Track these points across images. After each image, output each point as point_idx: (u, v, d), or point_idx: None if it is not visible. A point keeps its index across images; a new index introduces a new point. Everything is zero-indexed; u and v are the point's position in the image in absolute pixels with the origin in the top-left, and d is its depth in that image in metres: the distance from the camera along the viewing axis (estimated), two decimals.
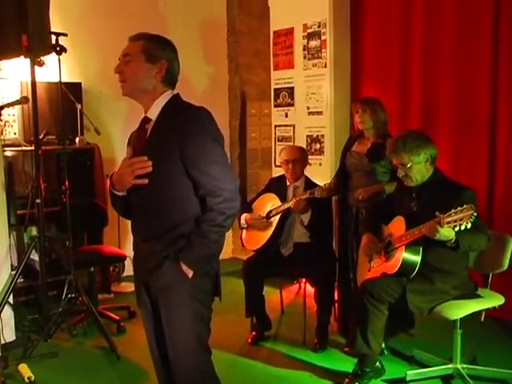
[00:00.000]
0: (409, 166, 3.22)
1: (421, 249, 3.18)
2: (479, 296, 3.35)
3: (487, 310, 3.31)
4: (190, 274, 2.21)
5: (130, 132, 2.48)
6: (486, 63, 4.30)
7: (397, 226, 3.34)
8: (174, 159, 2.20)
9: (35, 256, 4.15)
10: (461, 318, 3.24)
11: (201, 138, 2.19)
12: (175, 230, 2.23)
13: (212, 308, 2.36)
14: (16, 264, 4.31)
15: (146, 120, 2.32)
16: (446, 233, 2.95)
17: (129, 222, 2.44)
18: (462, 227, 2.86)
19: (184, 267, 2.20)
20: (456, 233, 2.95)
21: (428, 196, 3.26)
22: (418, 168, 3.23)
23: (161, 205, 2.26)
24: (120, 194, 2.33)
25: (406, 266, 3.21)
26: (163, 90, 2.30)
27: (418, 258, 3.19)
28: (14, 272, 4.00)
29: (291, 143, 5.41)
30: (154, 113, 2.29)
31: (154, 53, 2.26)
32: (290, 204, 3.91)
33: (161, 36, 2.32)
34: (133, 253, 2.44)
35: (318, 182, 4.15)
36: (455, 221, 2.87)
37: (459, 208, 2.87)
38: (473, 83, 4.40)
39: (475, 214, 2.85)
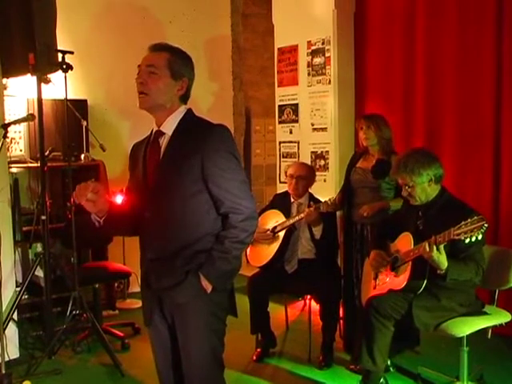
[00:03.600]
0: (411, 185, 3.24)
1: (427, 268, 3.14)
2: (485, 313, 3.32)
3: (494, 327, 3.28)
4: (209, 289, 2.20)
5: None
6: (490, 81, 4.30)
7: (404, 242, 3.32)
8: (195, 176, 2.19)
9: (40, 272, 4.13)
10: (467, 336, 3.20)
11: (222, 156, 2.19)
12: (194, 245, 2.22)
13: (226, 324, 2.34)
14: (21, 280, 4.31)
15: (159, 133, 2.29)
16: (441, 258, 2.97)
17: (134, 238, 2.40)
18: (473, 238, 2.85)
19: (204, 282, 2.19)
20: (448, 264, 2.99)
21: (434, 215, 3.25)
22: (422, 188, 3.24)
23: (179, 221, 2.23)
24: (96, 219, 2.28)
25: (413, 283, 3.19)
26: (179, 105, 2.30)
27: (424, 276, 3.16)
28: (18, 288, 4.00)
29: (296, 160, 5.41)
30: (169, 127, 2.27)
31: (178, 70, 2.25)
32: (300, 216, 3.89)
33: (182, 50, 2.32)
34: (140, 270, 2.38)
35: (322, 199, 4.14)
36: (466, 232, 2.86)
37: (469, 220, 2.87)
38: (477, 100, 4.40)
39: (486, 225, 2.83)
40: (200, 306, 2.22)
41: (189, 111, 2.32)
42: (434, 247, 2.95)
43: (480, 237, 2.85)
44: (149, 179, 2.29)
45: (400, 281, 3.26)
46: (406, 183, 3.26)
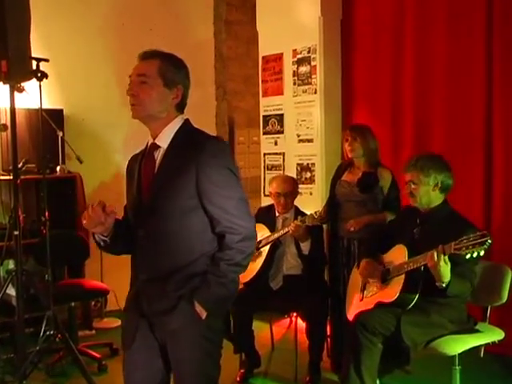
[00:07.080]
0: (416, 183, 3.25)
1: (421, 281, 3.10)
2: (478, 331, 3.28)
3: (486, 345, 3.25)
4: (204, 315, 2.10)
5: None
6: (480, 90, 4.30)
7: (398, 255, 3.28)
8: (190, 192, 2.10)
9: (12, 291, 4.00)
10: (459, 354, 3.14)
11: (218, 171, 2.11)
12: (188, 267, 2.13)
13: (222, 346, 2.26)
14: None
15: (154, 146, 2.20)
16: (446, 269, 2.90)
17: (111, 255, 2.34)
18: (475, 254, 2.79)
19: (198, 308, 2.10)
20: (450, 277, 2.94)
21: (432, 224, 3.23)
22: (426, 190, 3.25)
23: (174, 240, 2.14)
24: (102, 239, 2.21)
25: (404, 296, 3.14)
26: (175, 115, 2.21)
27: (417, 290, 3.12)
28: None
29: (281, 172, 5.39)
30: (164, 139, 2.18)
31: (171, 77, 2.17)
32: (285, 230, 3.85)
33: (175, 56, 2.25)
34: (129, 290, 2.30)
35: (307, 212, 4.09)
36: (467, 247, 2.80)
37: (472, 235, 2.81)
38: (467, 110, 4.39)
39: (490, 242, 2.77)
40: (194, 331, 2.14)
41: (186, 122, 2.24)
42: (442, 257, 2.89)
43: (482, 253, 2.79)
44: (143, 195, 2.20)
45: (392, 293, 3.20)
46: (411, 179, 3.28)
